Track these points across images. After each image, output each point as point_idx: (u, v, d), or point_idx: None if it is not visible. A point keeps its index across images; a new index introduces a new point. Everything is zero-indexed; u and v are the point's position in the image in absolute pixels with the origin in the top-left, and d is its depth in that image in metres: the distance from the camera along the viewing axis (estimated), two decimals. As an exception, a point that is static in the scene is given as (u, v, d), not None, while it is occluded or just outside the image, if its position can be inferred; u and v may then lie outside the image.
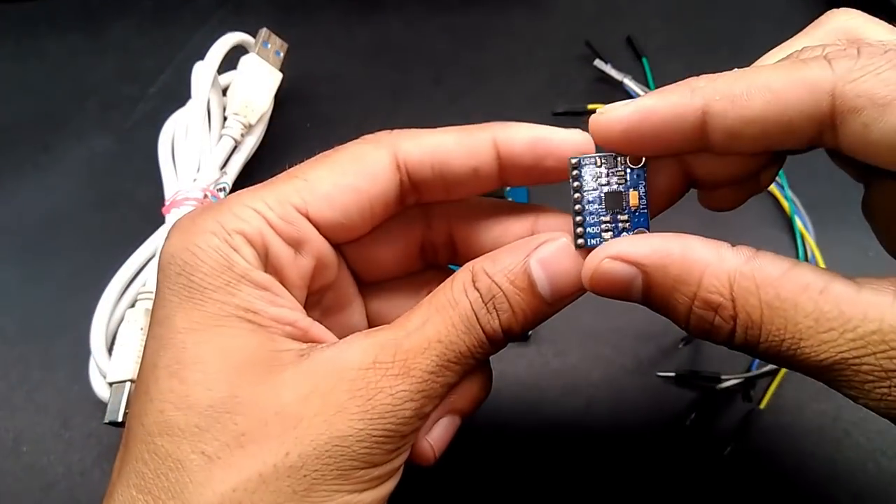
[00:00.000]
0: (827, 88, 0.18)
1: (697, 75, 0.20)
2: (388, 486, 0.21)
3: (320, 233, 0.23)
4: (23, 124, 0.47)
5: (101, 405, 0.35)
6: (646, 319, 0.37)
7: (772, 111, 0.19)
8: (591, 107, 0.43)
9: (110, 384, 0.33)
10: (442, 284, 0.22)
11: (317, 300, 0.25)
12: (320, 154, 0.23)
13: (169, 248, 0.22)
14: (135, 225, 0.39)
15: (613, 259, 0.20)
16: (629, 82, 0.43)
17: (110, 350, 0.35)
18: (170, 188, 0.39)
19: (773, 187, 0.39)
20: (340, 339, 0.22)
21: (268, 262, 0.22)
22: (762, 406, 0.34)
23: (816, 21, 0.23)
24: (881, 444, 0.33)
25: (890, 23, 0.21)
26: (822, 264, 0.37)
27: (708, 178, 0.22)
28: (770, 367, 0.34)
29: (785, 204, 0.39)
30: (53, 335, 0.39)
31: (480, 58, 0.47)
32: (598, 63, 0.44)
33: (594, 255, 0.21)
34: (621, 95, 0.44)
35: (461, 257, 0.26)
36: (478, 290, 0.21)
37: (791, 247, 0.38)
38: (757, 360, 0.35)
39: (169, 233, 0.22)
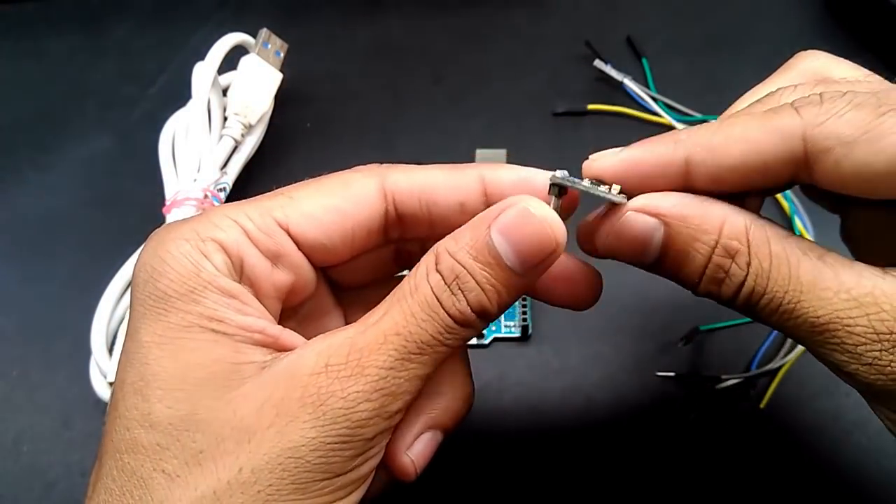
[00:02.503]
0: (798, 134, 0.19)
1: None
2: (354, 498, 0.20)
3: (300, 250, 0.23)
4: (23, 124, 0.47)
5: (102, 405, 0.35)
6: (646, 319, 0.37)
7: (749, 158, 0.20)
8: (590, 107, 0.43)
9: (111, 384, 0.33)
10: (409, 272, 0.21)
11: (293, 311, 0.25)
12: (310, 179, 0.24)
13: (143, 256, 0.21)
14: (135, 225, 0.39)
15: (638, 211, 0.21)
16: (629, 82, 0.43)
17: (111, 350, 0.35)
18: (170, 188, 0.39)
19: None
20: None
21: (242, 273, 0.22)
22: (762, 406, 0.34)
23: (787, 63, 0.25)
24: (882, 444, 0.33)
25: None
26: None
27: None
28: (770, 366, 0.34)
29: (785, 204, 0.39)
30: (53, 335, 0.39)
31: (480, 58, 0.47)
32: (598, 63, 0.44)
33: (615, 211, 0.21)
34: (621, 95, 0.44)
35: None
36: (440, 272, 0.20)
37: (791, 247, 0.38)
38: (757, 360, 0.35)
39: (146, 241, 0.22)
